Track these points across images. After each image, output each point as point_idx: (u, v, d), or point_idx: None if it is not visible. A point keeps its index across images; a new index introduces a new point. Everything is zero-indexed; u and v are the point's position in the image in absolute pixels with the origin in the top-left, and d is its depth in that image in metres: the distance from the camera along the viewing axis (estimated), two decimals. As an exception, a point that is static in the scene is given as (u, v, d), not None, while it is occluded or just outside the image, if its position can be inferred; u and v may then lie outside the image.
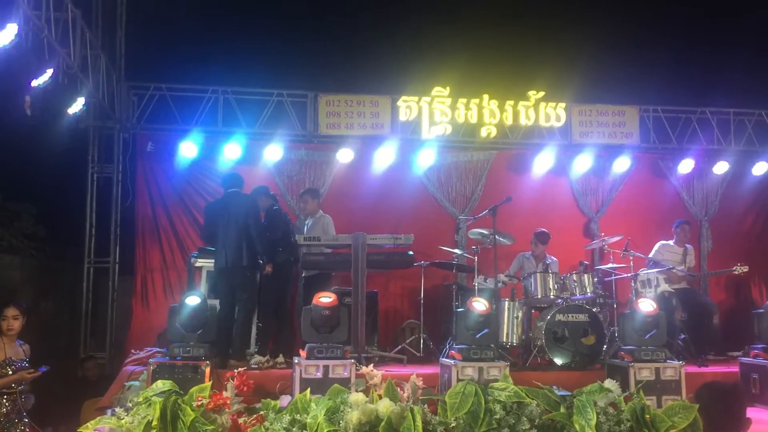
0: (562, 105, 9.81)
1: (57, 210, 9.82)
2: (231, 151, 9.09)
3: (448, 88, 9.60)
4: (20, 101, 6.87)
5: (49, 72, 6.86)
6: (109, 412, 4.54)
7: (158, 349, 7.22)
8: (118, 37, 9.37)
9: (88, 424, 3.58)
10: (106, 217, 9.26)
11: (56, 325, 9.29)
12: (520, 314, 7.48)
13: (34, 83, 6.81)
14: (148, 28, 9.70)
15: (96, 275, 9.23)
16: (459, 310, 6.43)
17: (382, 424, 3.03)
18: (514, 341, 7.44)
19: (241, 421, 3.26)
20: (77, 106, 7.97)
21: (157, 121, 9.40)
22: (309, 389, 3.51)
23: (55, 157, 9.25)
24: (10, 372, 5.43)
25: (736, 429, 2.89)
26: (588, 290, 7.34)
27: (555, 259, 8.42)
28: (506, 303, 7.53)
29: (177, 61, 10.12)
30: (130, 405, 3.41)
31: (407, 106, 9.53)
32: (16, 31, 5.89)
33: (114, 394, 6.09)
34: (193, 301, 5.98)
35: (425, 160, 9.53)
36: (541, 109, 9.73)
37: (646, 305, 6.32)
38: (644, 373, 5.90)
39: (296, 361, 5.86)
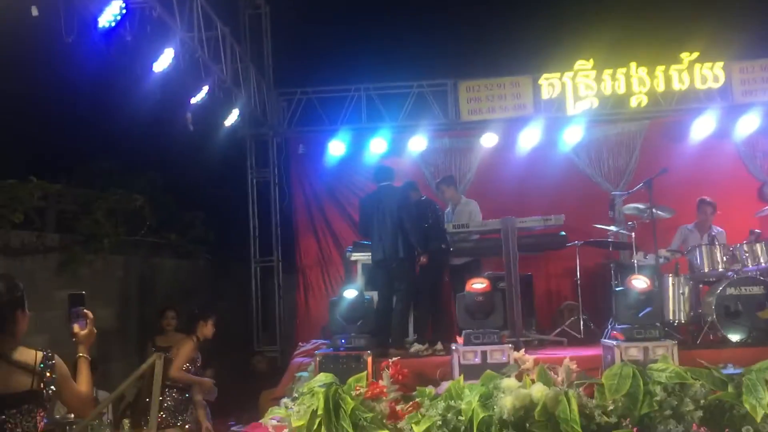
0: (720, 64, 9.13)
1: (223, 215, 10.53)
2: (377, 146, 9.35)
3: (591, 60, 9.25)
4: (182, 118, 7.44)
5: (206, 88, 7.40)
6: (281, 402, 4.83)
7: (323, 341, 7.57)
8: (265, 48, 9.88)
9: (266, 414, 3.87)
10: (267, 218, 9.82)
11: (230, 322, 9.96)
12: (686, 290, 7.08)
13: (193, 100, 7.36)
14: (291, 37, 10.16)
15: (262, 274, 9.80)
16: (618, 289, 6.22)
17: (538, 408, 3.01)
18: (682, 318, 7.05)
19: (398, 408, 3.37)
20: (233, 117, 8.50)
21: (306, 124, 9.84)
22: (462, 375, 3.57)
23: (218, 166, 9.96)
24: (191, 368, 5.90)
25: None
26: (761, 260, 6.79)
27: (721, 229, 7.87)
28: (670, 279, 7.15)
29: (320, 65, 10.55)
30: (296, 395, 3.64)
31: (549, 84, 9.28)
32: (173, 55, 6.42)
33: (286, 385, 6.46)
34: (350, 294, 6.24)
35: (572, 136, 9.25)
36: (696, 71, 9.13)
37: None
38: (832, 347, 5.45)
39: (454, 347, 5.94)
